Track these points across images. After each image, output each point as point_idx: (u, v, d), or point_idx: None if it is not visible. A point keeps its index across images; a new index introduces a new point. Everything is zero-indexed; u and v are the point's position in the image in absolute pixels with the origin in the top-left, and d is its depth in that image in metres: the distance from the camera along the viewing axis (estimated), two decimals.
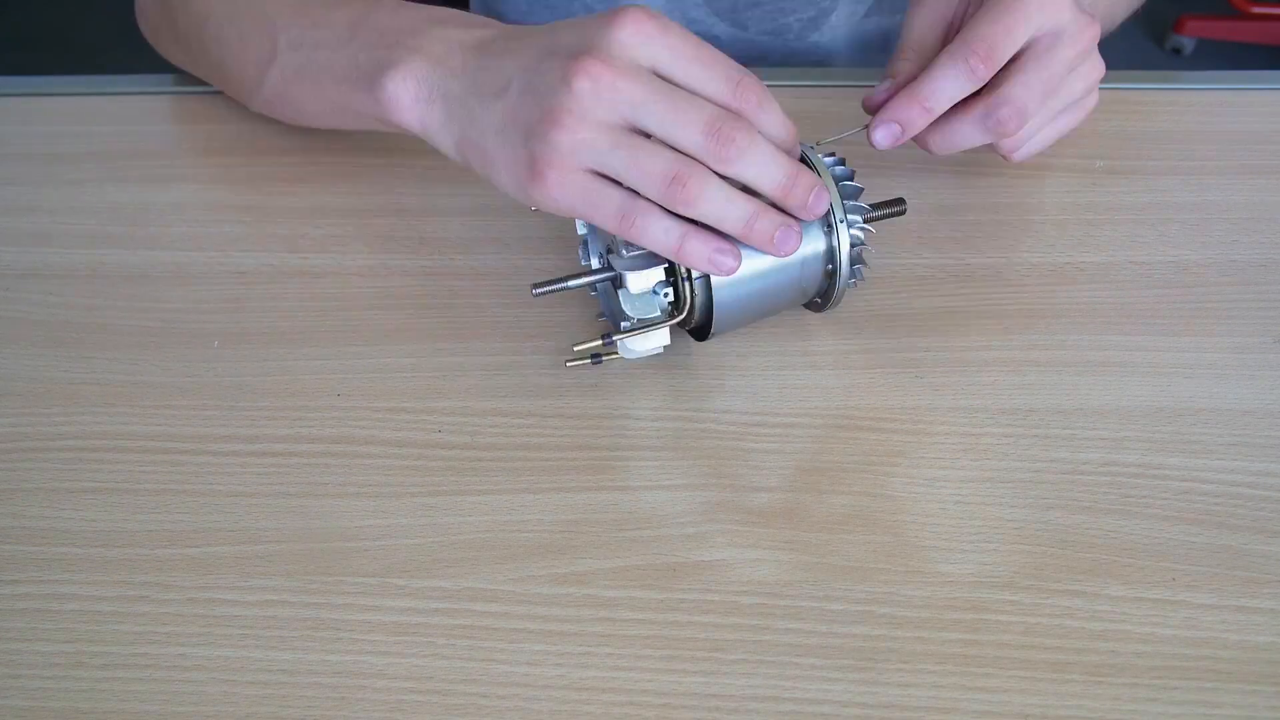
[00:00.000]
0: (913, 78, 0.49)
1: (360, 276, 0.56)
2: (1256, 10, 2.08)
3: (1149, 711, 0.40)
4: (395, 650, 0.42)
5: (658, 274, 0.46)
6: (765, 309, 0.50)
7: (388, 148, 0.62)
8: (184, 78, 0.68)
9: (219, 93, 0.66)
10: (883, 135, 0.48)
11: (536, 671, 0.41)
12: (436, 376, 0.51)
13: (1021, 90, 0.48)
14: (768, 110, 0.43)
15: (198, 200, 0.61)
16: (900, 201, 0.50)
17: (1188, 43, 2.11)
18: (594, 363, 0.50)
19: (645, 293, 0.46)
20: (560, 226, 0.57)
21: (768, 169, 0.42)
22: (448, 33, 0.47)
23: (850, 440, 0.48)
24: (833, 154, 0.48)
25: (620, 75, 0.41)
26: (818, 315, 0.53)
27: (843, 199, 0.47)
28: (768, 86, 0.43)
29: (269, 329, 0.54)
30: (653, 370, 0.51)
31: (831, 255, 0.47)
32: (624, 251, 0.46)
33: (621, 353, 0.48)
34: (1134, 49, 2.13)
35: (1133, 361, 0.51)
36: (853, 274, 0.48)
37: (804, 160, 0.46)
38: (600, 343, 0.48)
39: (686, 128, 0.41)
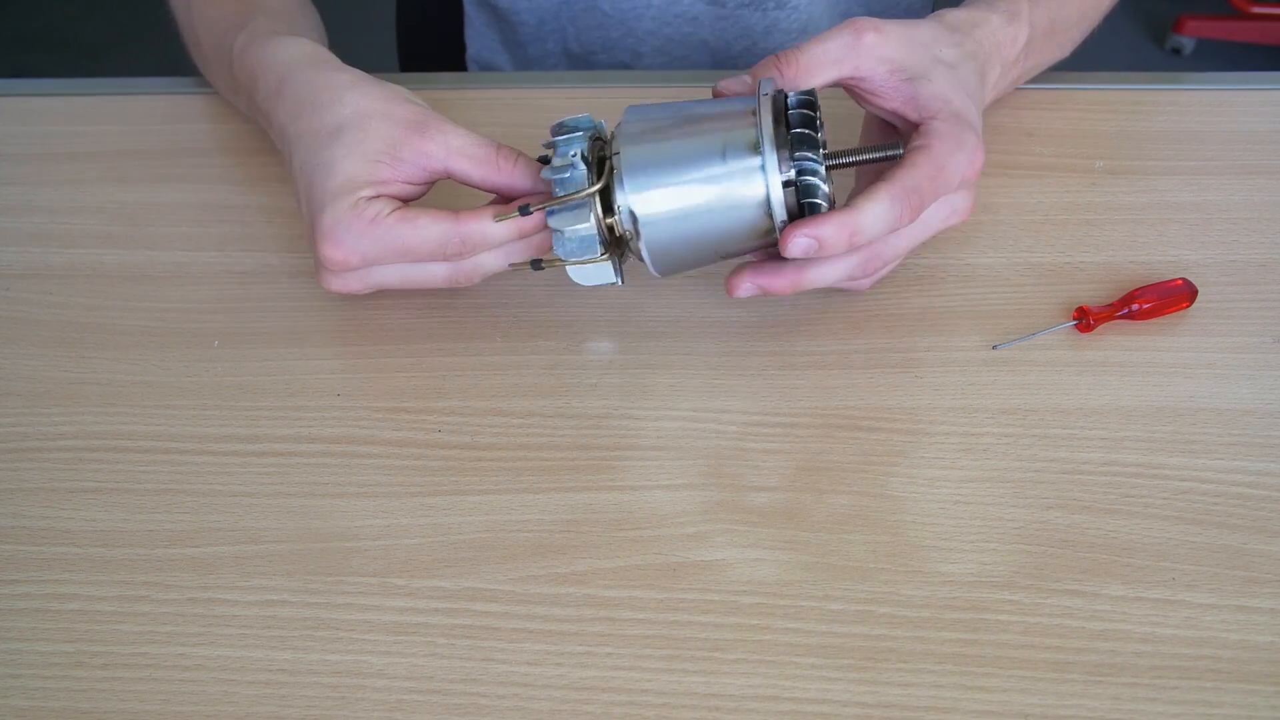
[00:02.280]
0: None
1: None
2: (1256, 10, 2.08)
3: (1149, 711, 0.40)
4: (395, 650, 0.42)
5: (589, 226, 0.46)
6: (711, 257, 0.48)
7: None
8: (183, 78, 0.68)
9: (219, 93, 0.66)
10: (800, 249, 0.45)
11: (536, 671, 0.41)
12: (436, 376, 0.51)
13: (894, 250, 0.49)
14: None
15: (198, 200, 0.61)
16: (893, 146, 0.47)
17: (1188, 43, 2.11)
18: (534, 269, 0.49)
19: (578, 239, 0.47)
20: None
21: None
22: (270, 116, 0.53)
23: (850, 440, 0.48)
24: (809, 94, 0.46)
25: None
26: (818, 315, 0.53)
27: (789, 142, 0.45)
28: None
29: (269, 329, 0.54)
30: (653, 370, 0.51)
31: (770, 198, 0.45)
32: (554, 205, 0.46)
33: (574, 277, 0.49)
34: (1134, 49, 2.13)
35: (1133, 361, 0.51)
36: (807, 213, 0.46)
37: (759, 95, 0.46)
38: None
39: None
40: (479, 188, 0.49)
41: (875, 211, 0.45)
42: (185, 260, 0.57)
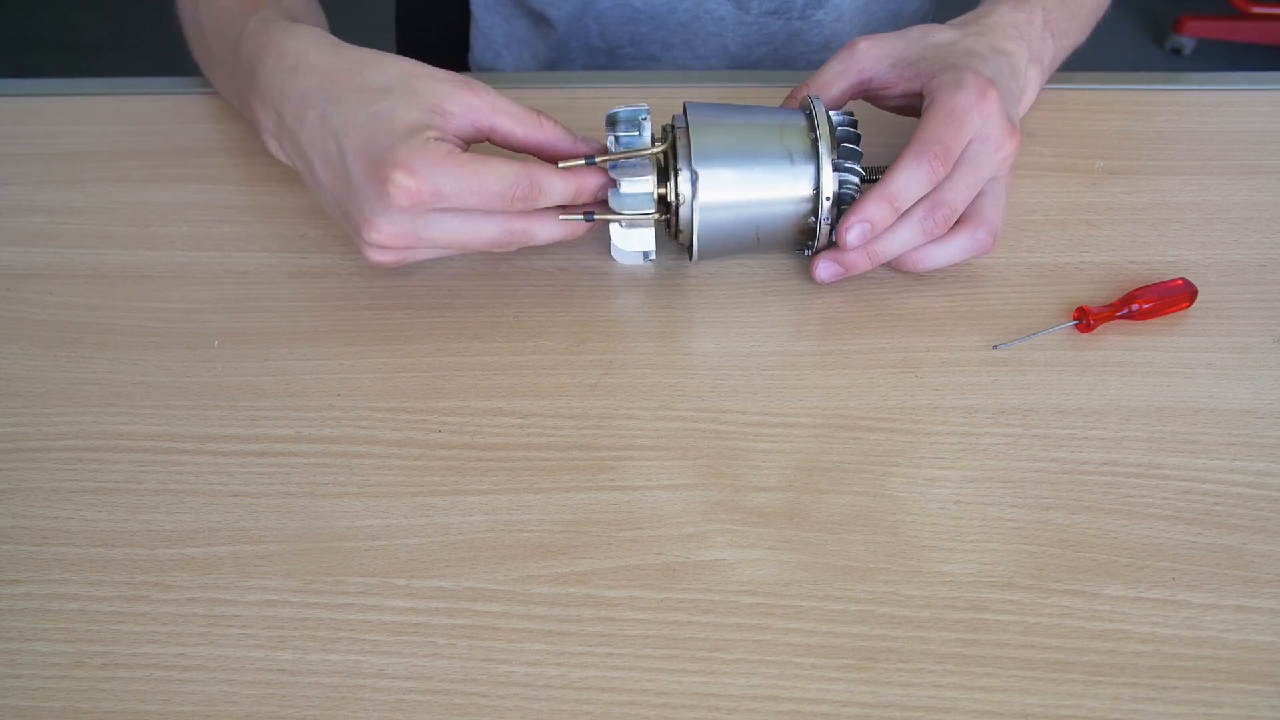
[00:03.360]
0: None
1: (360, 276, 0.56)
2: (1256, 10, 2.09)
3: (1149, 711, 0.40)
4: (395, 650, 0.42)
5: (649, 181, 0.50)
6: (750, 241, 0.53)
7: None
8: (184, 78, 0.68)
9: (218, 93, 0.66)
10: (855, 235, 0.51)
11: (536, 671, 0.41)
12: (436, 376, 0.51)
13: (953, 194, 0.51)
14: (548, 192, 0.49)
15: (198, 200, 0.61)
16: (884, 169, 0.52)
17: (1188, 43, 2.11)
18: (586, 219, 0.51)
19: (635, 194, 0.50)
20: None
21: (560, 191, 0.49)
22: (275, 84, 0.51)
23: (850, 440, 0.48)
24: (850, 113, 0.53)
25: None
26: (818, 315, 0.53)
27: (836, 145, 0.51)
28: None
29: (269, 329, 0.54)
30: (653, 370, 0.51)
31: (818, 197, 0.51)
32: (618, 163, 0.50)
33: (613, 253, 0.53)
34: (1134, 49, 2.13)
35: (1133, 361, 0.51)
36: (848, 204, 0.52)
37: (807, 108, 0.52)
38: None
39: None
40: (520, 146, 0.51)
41: (905, 173, 0.50)
42: (185, 260, 0.57)
